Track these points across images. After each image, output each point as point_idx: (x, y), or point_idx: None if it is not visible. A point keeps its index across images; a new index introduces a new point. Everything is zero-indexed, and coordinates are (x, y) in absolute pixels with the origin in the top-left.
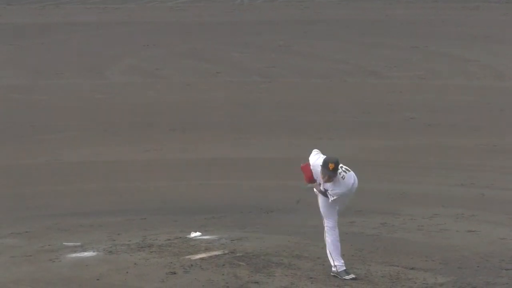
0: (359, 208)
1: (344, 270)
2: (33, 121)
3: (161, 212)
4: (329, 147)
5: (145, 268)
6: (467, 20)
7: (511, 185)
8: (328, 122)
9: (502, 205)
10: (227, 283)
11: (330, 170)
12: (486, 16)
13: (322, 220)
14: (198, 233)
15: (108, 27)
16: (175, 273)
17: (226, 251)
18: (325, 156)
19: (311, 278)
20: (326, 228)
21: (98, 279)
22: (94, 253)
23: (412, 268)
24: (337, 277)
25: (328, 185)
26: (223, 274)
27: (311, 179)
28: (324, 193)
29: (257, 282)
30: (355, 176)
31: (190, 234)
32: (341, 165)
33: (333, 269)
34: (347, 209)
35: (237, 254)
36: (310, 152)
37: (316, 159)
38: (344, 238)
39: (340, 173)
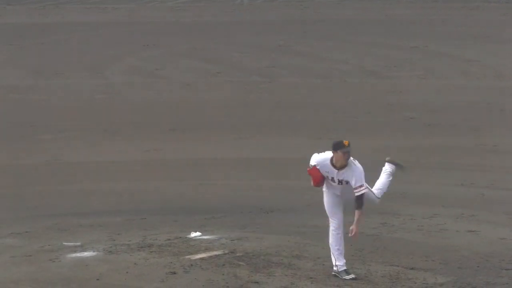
0: None
1: (345, 270)
2: (33, 121)
3: (161, 212)
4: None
5: (145, 268)
6: (467, 20)
7: (511, 185)
8: (328, 122)
9: (502, 205)
10: (227, 283)
11: (346, 147)
12: (486, 16)
13: (327, 219)
14: (198, 233)
15: (108, 27)
16: (175, 273)
17: (226, 251)
18: (326, 151)
19: (311, 278)
20: (330, 227)
21: (98, 279)
22: (94, 253)
23: (412, 268)
24: (337, 276)
25: (345, 174)
26: (223, 274)
27: (320, 181)
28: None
29: (257, 282)
30: None
31: (190, 234)
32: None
33: (334, 268)
34: (347, 209)
35: (237, 254)
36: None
37: (318, 156)
38: (344, 238)
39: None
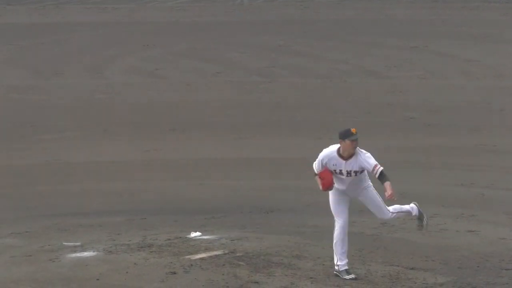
0: (359, 208)
1: (346, 270)
2: (33, 121)
3: (161, 212)
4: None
5: (145, 268)
6: (467, 20)
7: (511, 185)
8: (328, 122)
9: (502, 205)
10: (227, 283)
11: (354, 134)
12: (486, 16)
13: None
14: (198, 233)
15: (108, 27)
16: (175, 273)
17: (226, 251)
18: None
19: (311, 278)
20: (335, 227)
21: (98, 279)
22: (94, 253)
23: (412, 268)
24: (338, 276)
25: (354, 163)
26: (223, 274)
27: (330, 184)
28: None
29: (257, 282)
30: None
31: (190, 234)
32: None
33: (335, 267)
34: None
35: (237, 254)
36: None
37: (324, 150)
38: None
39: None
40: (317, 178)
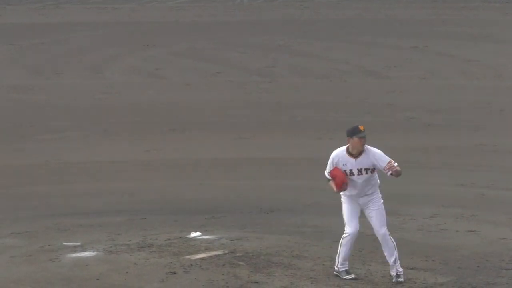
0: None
1: (345, 270)
2: (33, 121)
3: (161, 212)
4: (329, 147)
5: (145, 268)
6: (467, 20)
7: (511, 185)
8: (328, 122)
9: (502, 205)
10: (227, 283)
11: (362, 132)
12: (486, 16)
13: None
14: (198, 233)
15: (108, 27)
16: (175, 273)
17: (226, 251)
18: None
19: (311, 278)
20: (346, 233)
21: (98, 279)
22: (94, 253)
23: (412, 268)
24: (338, 276)
25: (364, 161)
26: (223, 274)
27: (344, 182)
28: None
29: (257, 282)
30: None
31: (190, 234)
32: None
33: (336, 267)
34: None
35: (237, 254)
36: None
37: (332, 154)
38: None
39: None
40: (330, 183)
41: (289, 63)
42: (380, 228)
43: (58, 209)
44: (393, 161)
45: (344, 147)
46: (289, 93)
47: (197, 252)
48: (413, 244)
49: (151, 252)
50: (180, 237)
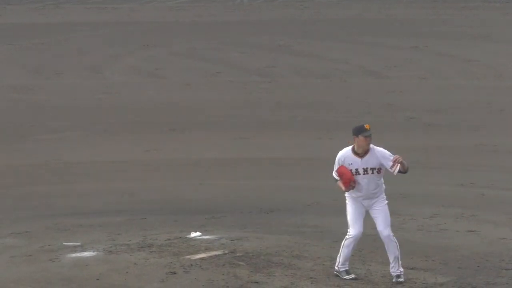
0: None
1: (346, 270)
2: (33, 121)
3: (161, 212)
4: (329, 147)
5: (145, 268)
6: (467, 20)
7: (511, 185)
8: (328, 122)
9: (502, 205)
10: (227, 283)
11: (368, 130)
12: (486, 16)
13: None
14: (198, 233)
15: (108, 27)
16: (175, 273)
17: (226, 251)
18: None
19: (311, 278)
20: (349, 235)
21: (98, 279)
22: (94, 253)
23: (412, 268)
24: (338, 276)
25: (370, 160)
26: (223, 274)
27: (351, 180)
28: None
29: (257, 282)
30: None
31: (190, 234)
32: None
33: (336, 267)
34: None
35: (237, 254)
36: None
37: (338, 154)
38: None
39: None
40: (338, 183)
41: (289, 63)
42: (384, 229)
43: (58, 209)
44: (398, 156)
45: (350, 147)
46: (289, 93)
47: (197, 252)
48: (413, 244)
49: (151, 252)
50: (180, 237)
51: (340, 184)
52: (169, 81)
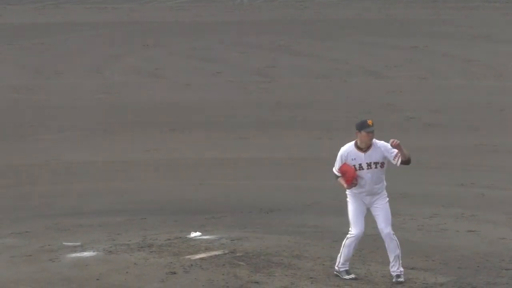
0: None
1: (346, 270)
2: (33, 121)
3: (161, 212)
4: (329, 147)
5: (145, 268)
6: (467, 20)
7: (511, 185)
8: (328, 122)
9: (502, 205)
10: (227, 283)
11: (370, 126)
12: (486, 16)
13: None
14: (198, 233)
15: (108, 27)
16: (175, 273)
17: (226, 251)
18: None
19: (311, 278)
20: (350, 234)
21: (98, 279)
22: (94, 253)
23: (412, 268)
24: (338, 276)
25: (373, 154)
26: (223, 274)
27: (354, 177)
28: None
29: (257, 282)
30: None
31: (190, 234)
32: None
33: (336, 267)
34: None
35: (237, 254)
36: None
37: (340, 151)
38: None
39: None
40: (339, 180)
41: (289, 63)
42: (385, 227)
43: (58, 209)
44: (395, 140)
45: (353, 142)
46: (289, 93)
47: (197, 252)
48: (413, 244)
49: (151, 252)
50: (180, 237)
51: (341, 181)
52: (169, 81)
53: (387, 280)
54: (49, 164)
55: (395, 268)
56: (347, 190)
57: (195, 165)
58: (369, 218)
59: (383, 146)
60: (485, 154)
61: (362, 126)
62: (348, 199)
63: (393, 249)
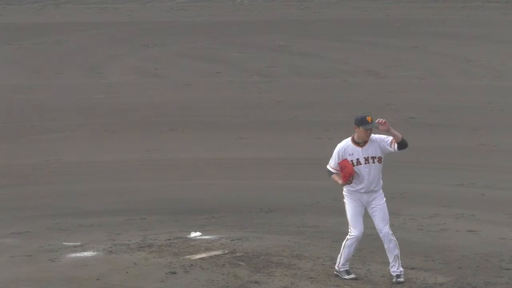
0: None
1: (346, 270)
2: (33, 121)
3: (161, 212)
4: (329, 147)
5: (145, 268)
6: (467, 20)
7: (511, 185)
8: (328, 122)
9: (502, 205)
10: (227, 283)
11: (369, 123)
12: (486, 16)
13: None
14: (198, 233)
15: (108, 27)
16: (175, 273)
17: (226, 251)
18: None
19: (311, 278)
20: (350, 235)
21: (98, 279)
22: (94, 253)
23: (412, 268)
24: (338, 276)
25: (370, 148)
26: (223, 274)
27: (351, 172)
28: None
29: (257, 282)
30: None
31: (190, 234)
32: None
33: (336, 267)
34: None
35: (237, 254)
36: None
37: (336, 147)
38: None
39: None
40: (333, 176)
41: (289, 63)
42: (383, 227)
43: (58, 209)
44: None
45: (349, 138)
46: (289, 93)
47: (197, 252)
48: (413, 244)
49: (151, 252)
50: (180, 237)
51: (337, 177)
52: (169, 81)
53: (387, 280)
54: (49, 164)
55: (395, 268)
56: (344, 191)
57: (195, 165)
58: (369, 218)
59: (378, 138)
60: (485, 154)
61: (361, 122)
62: (345, 200)
63: (392, 249)
